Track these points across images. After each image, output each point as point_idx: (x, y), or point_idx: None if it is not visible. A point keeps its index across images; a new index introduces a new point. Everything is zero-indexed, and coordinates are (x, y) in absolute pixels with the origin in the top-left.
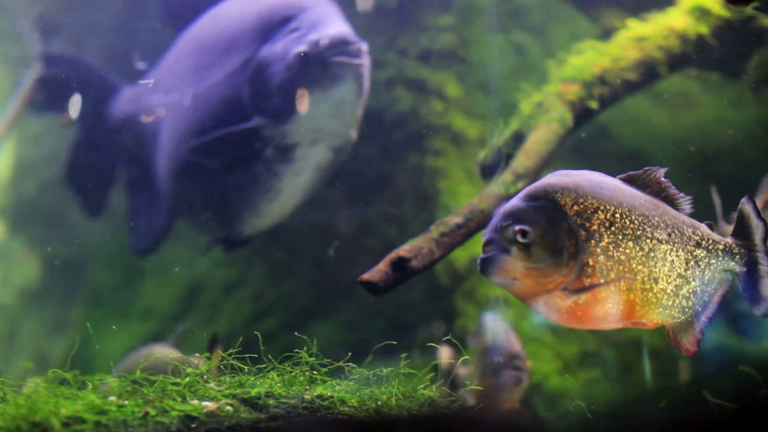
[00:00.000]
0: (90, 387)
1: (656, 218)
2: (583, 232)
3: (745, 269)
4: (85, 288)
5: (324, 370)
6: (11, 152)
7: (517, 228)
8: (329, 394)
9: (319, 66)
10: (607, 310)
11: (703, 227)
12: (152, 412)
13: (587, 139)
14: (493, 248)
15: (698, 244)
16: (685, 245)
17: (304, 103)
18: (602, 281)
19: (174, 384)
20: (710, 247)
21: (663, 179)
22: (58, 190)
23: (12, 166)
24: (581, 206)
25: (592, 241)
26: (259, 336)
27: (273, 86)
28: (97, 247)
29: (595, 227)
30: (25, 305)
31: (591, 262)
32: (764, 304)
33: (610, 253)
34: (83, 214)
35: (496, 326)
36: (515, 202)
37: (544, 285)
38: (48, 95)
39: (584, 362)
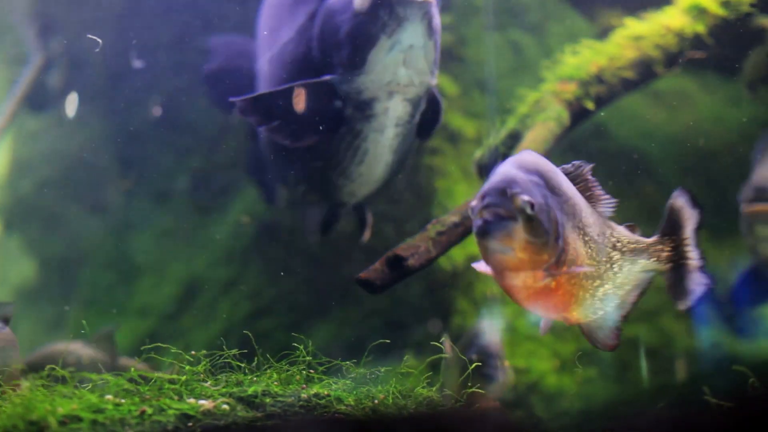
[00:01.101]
0: (90, 386)
1: (590, 216)
2: (559, 216)
3: (668, 266)
4: (82, 286)
5: (321, 368)
6: (8, 150)
7: (526, 198)
8: (326, 392)
9: (383, 9)
10: (560, 299)
11: (621, 229)
12: (149, 410)
13: (584, 137)
14: (499, 212)
15: (614, 247)
16: (605, 246)
17: (300, 102)
18: (573, 268)
19: (171, 382)
20: (625, 250)
21: (590, 177)
22: (54, 188)
23: (8, 165)
24: (558, 191)
25: (566, 227)
26: (251, 336)
27: (340, 37)
28: (94, 246)
29: (565, 214)
30: (21, 303)
31: (565, 248)
32: (689, 298)
33: (573, 242)
34: (265, 202)
35: (485, 331)
36: (516, 171)
37: (535, 262)
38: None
39: (581, 361)
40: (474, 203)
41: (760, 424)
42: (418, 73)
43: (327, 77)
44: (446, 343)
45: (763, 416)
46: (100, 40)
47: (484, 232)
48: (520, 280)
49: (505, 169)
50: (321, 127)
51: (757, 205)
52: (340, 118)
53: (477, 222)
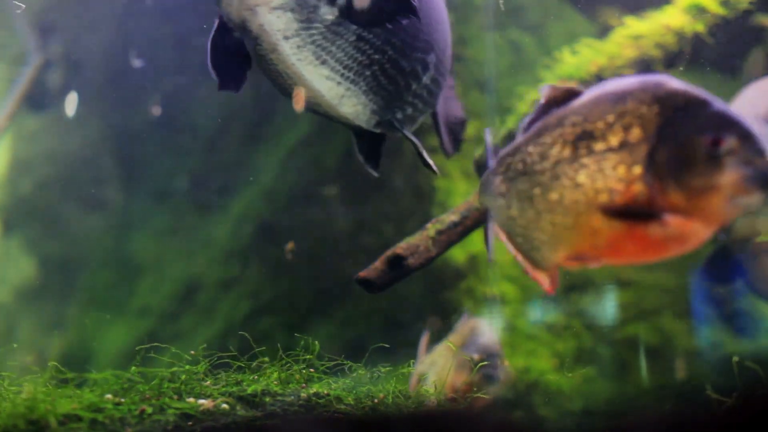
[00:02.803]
0: (93, 385)
1: None
2: None
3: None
4: (82, 286)
5: (321, 367)
6: (8, 150)
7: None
8: (326, 392)
9: None
10: None
11: None
12: (149, 410)
13: None
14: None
15: None
16: None
17: (300, 102)
18: None
19: (170, 382)
20: None
21: None
22: (54, 188)
23: (8, 164)
24: None
25: None
26: (249, 338)
27: None
28: (94, 245)
29: None
30: (22, 303)
31: None
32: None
33: None
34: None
35: (476, 326)
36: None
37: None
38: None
39: (581, 359)
40: (730, 140)
41: (761, 424)
42: None
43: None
44: (424, 339)
45: (764, 416)
46: (22, 5)
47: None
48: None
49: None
50: (244, 72)
51: None
52: (247, 57)
53: (748, 169)
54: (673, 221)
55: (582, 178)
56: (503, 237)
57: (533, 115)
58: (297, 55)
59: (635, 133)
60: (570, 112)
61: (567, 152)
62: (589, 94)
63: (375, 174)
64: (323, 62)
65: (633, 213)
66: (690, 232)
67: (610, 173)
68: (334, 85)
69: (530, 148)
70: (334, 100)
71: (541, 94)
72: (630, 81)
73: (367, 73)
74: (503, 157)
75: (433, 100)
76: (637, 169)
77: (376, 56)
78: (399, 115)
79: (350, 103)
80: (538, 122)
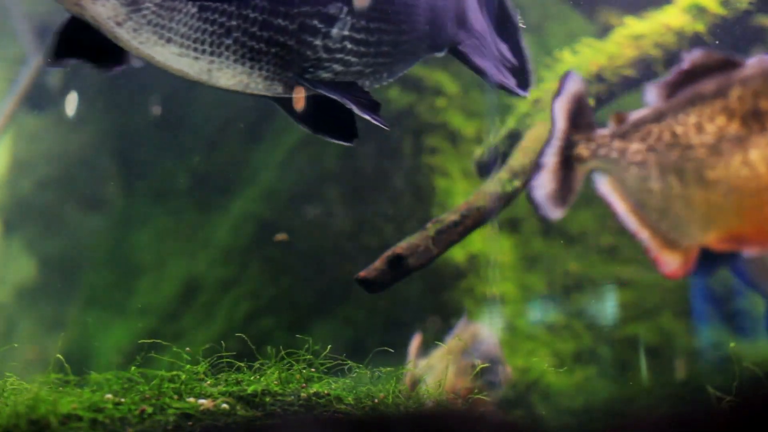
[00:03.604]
0: (93, 384)
1: None
2: None
3: None
4: (82, 286)
5: (321, 367)
6: (8, 150)
7: None
8: (326, 391)
9: None
10: None
11: None
12: (149, 409)
13: None
14: None
15: None
16: None
17: (300, 102)
18: None
19: (170, 382)
20: None
21: None
22: (54, 188)
23: (8, 164)
24: None
25: None
26: (247, 339)
27: None
28: (94, 245)
29: None
30: (21, 303)
31: None
32: None
33: None
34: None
35: (477, 332)
36: None
37: None
38: None
39: (580, 359)
40: None
41: (761, 424)
42: None
43: None
44: (415, 342)
45: (764, 416)
46: None
47: None
48: None
49: None
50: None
51: None
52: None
53: None
54: None
55: (754, 156)
56: (623, 208)
57: (672, 78)
58: (137, 39)
59: None
60: (735, 83)
61: (734, 128)
62: (757, 67)
63: (348, 143)
64: (168, 40)
65: None
66: None
67: None
68: (191, 61)
69: (680, 118)
70: (203, 75)
71: (685, 57)
72: None
73: (228, 41)
74: (640, 122)
75: (381, 50)
76: None
77: (234, 22)
78: (324, 75)
79: (225, 75)
80: (681, 89)
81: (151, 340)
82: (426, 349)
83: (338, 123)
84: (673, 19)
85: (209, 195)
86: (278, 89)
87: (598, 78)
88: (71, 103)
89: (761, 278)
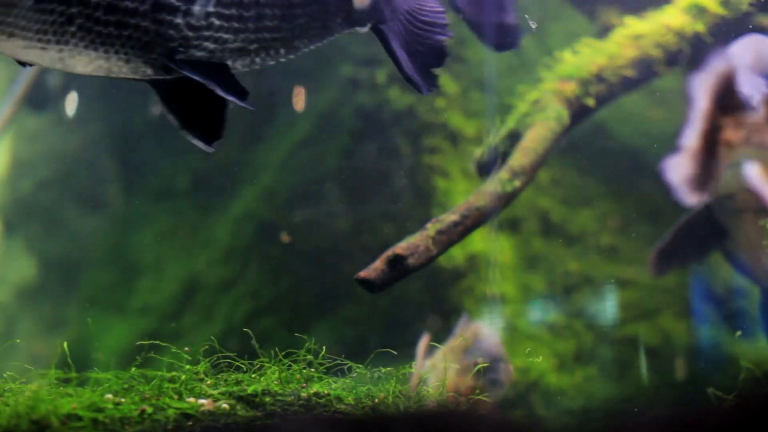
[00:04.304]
0: (93, 384)
1: None
2: None
3: None
4: (82, 286)
5: (322, 368)
6: (8, 150)
7: None
8: (326, 391)
9: None
10: None
11: None
12: (149, 409)
13: (584, 136)
14: None
15: None
16: None
17: (300, 102)
18: None
19: (170, 382)
20: None
21: None
22: (55, 187)
23: (8, 164)
24: None
25: None
26: (251, 333)
27: None
28: (94, 245)
29: None
30: (22, 303)
31: None
32: None
33: None
34: None
35: (479, 330)
36: None
37: None
38: None
39: (581, 359)
40: None
41: (761, 424)
42: None
43: None
44: (423, 342)
45: (764, 416)
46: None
47: None
48: None
49: None
50: None
51: None
52: None
53: None
54: None
55: None
56: None
57: None
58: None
59: None
60: None
61: None
62: None
63: (208, 149)
64: (11, 35)
65: None
66: None
67: None
68: (39, 52)
69: None
70: (56, 64)
71: None
72: None
73: (72, 29)
74: None
75: (264, 24)
76: None
77: (74, 9)
78: (198, 54)
79: (80, 62)
80: None
81: (150, 341)
82: (430, 349)
83: (206, 117)
84: (673, 19)
85: (209, 195)
86: (147, 71)
87: (598, 78)
88: (71, 103)
89: (754, 264)
